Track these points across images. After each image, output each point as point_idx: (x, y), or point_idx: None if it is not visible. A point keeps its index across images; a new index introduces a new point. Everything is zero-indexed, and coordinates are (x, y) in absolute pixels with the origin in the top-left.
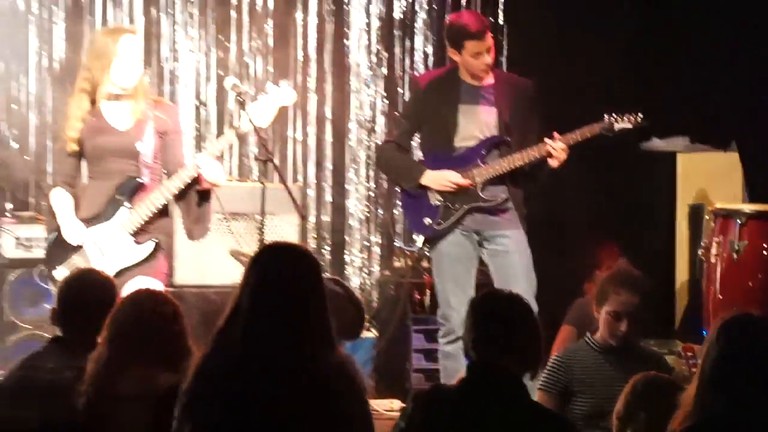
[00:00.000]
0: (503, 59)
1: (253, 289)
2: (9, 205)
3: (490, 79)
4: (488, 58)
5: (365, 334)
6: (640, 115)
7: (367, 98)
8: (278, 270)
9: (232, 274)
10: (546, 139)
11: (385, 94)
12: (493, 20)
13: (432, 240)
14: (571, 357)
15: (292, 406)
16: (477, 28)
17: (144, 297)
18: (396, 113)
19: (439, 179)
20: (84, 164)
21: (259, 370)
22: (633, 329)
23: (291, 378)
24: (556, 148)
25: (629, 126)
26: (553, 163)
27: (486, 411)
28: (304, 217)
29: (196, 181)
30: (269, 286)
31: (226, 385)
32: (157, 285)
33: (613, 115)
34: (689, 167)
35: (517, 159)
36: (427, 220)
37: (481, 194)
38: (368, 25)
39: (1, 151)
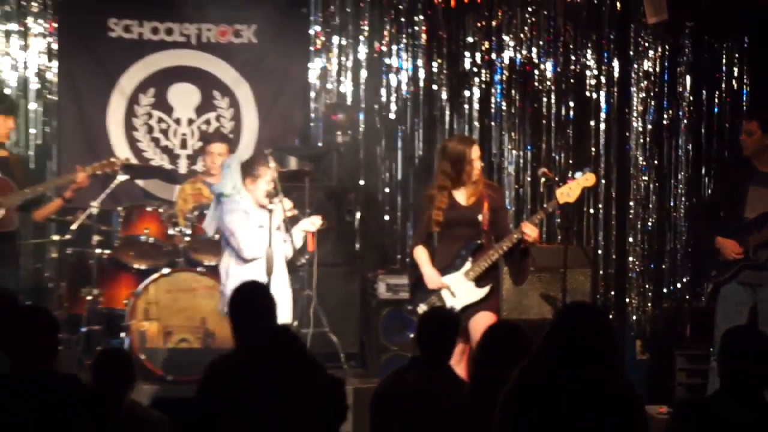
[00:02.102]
0: None
1: (561, 333)
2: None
3: None
4: (745, 135)
5: (639, 357)
6: None
7: (642, 182)
8: (580, 322)
9: (543, 311)
10: None
11: (655, 179)
12: None
13: (717, 287)
14: None
15: (592, 413)
16: (745, 113)
17: (505, 330)
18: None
19: (724, 244)
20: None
21: (565, 381)
22: None
23: (591, 392)
24: None
25: None
26: None
27: (733, 418)
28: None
29: (520, 242)
30: (575, 330)
31: (539, 392)
32: (492, 318)
33: None
34: None
35: None
36: (713, 273)
37: (751, 255)
38: (644, 128)
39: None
